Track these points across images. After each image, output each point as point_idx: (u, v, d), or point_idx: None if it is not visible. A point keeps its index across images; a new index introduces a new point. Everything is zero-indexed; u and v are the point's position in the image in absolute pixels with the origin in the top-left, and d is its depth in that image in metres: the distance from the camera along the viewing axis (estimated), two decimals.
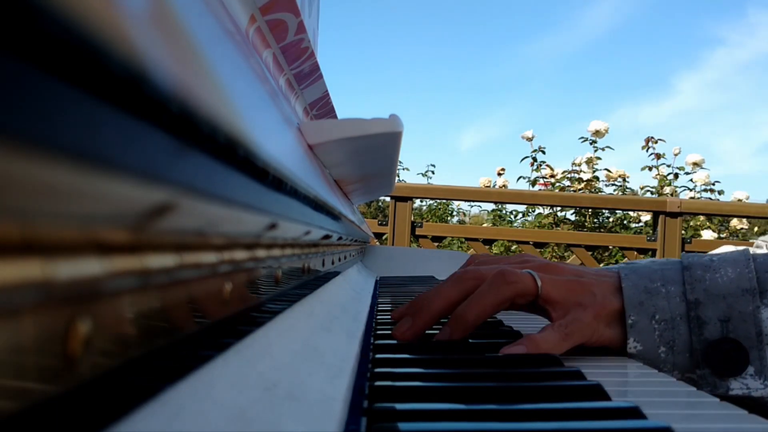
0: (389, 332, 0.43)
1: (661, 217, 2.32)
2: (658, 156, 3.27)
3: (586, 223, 3.16)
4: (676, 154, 3.28)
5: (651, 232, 2.55)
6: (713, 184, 3.24)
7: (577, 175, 3.22)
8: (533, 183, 3.26)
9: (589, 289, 0.43)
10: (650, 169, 3.30)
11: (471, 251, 2.17)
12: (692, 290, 0.41)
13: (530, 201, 2.60)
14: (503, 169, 3.62)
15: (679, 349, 0.41)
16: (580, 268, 0.47)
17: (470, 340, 0.42)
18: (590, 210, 3.07)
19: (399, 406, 0.24)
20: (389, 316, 0.55)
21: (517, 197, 2.50)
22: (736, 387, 0.39)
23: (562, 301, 0.42)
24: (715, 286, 0.41)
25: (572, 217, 3.18)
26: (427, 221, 2.73)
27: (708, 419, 0.26)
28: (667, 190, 3.23)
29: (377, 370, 0.31)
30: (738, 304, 0.40)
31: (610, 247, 2.67)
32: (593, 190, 3.20)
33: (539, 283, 0.42)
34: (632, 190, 3.39)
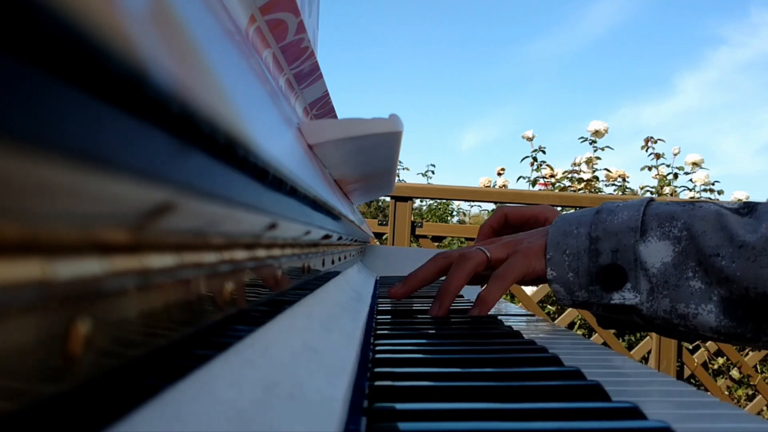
0: (389, 332, 0.43)
1: None
2: (658, 156, 3.26)
3: None
4: (675, 154, 3.28)
5: None
6: (713, 184, 3.24)
7: (577, 175, 3.21)
8: (533, 183, 3.26)
9: (521, 240, 0.60)
10: (650, 169, 3.30)
11: None
12: (595, 229, 0.56)
13: (530, 201, 2.59)
14: (503, 169, 3.62)
15: (581, 273, 0.56)
16: (523, 233, 0.63)
17: (472, 345, 0.42)
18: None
19: (399, 406, 0.24)
20: (389, 317, 0.55)
21: (517, 197, 2.50)
22: (616, 298, 0.54)
23: (505, 257, 0.59)
24: (612, 225, 0.55)
25: None
26: (427, 221, 2.73)
27: (708, 419, 0.26)
28: (667, 190, 3.23)
29: (377, 370, 0.31)
30: (625, 238, 0.54)
31: None
32: (593, 190, 3.20)
33: (488, 253, 0.60)
34: (632, 190, 3.39)
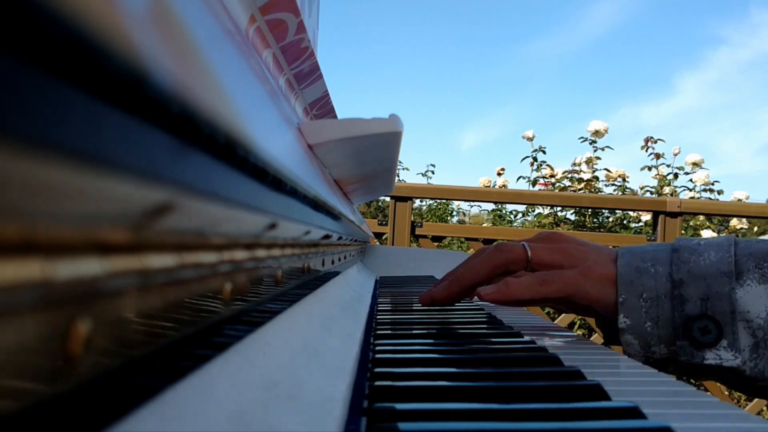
0: (389, 332, 0.43)
1: (660, 217, 2.32)
2: (658, 156, 3.27)
3: (586, 223, 3.16)
4: (675, 154, 3.28)
5: (651, 231, 2.55)
6: (713, 184, 3.24)
7: (577, 175, 3.21)
8: (533, 183, 3.26)
9: (583, 254, 0.49)
10: (650, 169, 3.30)
11: (471, 251, 2.17)
12: (678, 270, 0.45)
13: (530, 201, 2.60)
14: (503, 169, 3.62)
15: (663, 324, 0.45)
16: (584, 240, 0.52)
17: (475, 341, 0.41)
18: (590, 210, 3.07)
19: (399, 406, 0.24)
20: (389, 316, 0.55)
21: (517, 197, 2.50)
22: (711, 357, 0.44)
23: (551, 263, 0.49)
24: (698, 267, 0.45)
25: (572, 217, 3.18)
26: (427, 221, 2.73)
27: (708, 419, 0.26)
28: (667, 190, 3.23)
29: (377, 370, 0.31)
30: (716, 284, 0.44)
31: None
32: (593, 190, 3.20)
33: (529, 251, 0.50)
34: (632, 190, 3.39)
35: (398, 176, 3.44)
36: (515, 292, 0.46)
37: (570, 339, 0.52)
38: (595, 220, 3.22)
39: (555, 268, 0.48)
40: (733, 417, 0.27)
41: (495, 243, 0.50)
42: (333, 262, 0.60)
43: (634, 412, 0.25)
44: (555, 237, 0.52)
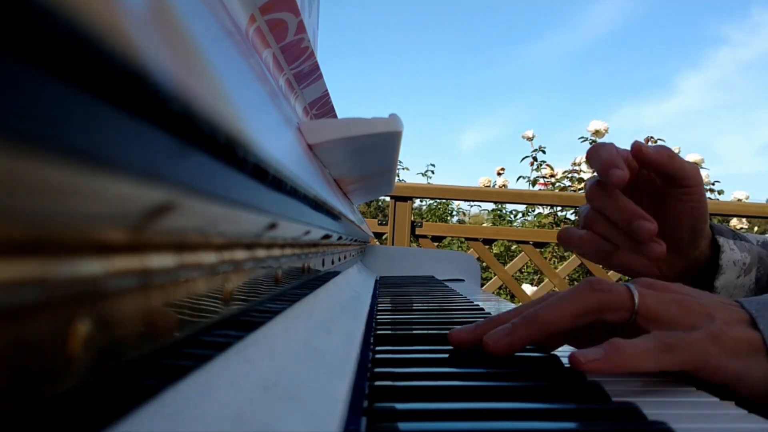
0: (389, 332, 0.43)
1: None
2: None
3: None
4: None
5: None
6: (713, 184, 3.25)
7: (577, 175, 3.22)
8: (533, 183, 3.27)
9: (705, 310, 0.33)
10: None
11: (471, 251, 2.17)
12: None
13: (530, 201, 2.60)
14: (503, 169, 3.63)
15: None
16: (692, 289, 0.37)
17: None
18: None
19: (399, 406, 0.24)
20: (389, 316, 0.55)
21: (517, 197, 2.50)
22: None
23: (669, 320, 0.33)
24: None
25: (572, 217, 3.18)
26: (427, 221, 2.73)
27: (708, 419, 0.26)
28: None
29: (377, 370, 0.31)
30: None
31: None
32: None
33: (636, 296, 0.34)
34: None
35: (398, 176, 3.44)
36: (630, 361, 0.30)
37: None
38: None
39: (668, 325, 0.33)
40: (733, 417, 0.27)
41: (587, 279, 0.35)
42: (333, 262, 0.60)
43: (633, 412, 0.25)
44: (657, 285, 0.36)
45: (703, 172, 3.21)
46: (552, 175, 3.29)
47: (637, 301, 0.33)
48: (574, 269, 2.36)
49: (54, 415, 0.11)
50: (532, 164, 3.28)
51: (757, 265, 0.55)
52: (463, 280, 1.17)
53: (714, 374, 0.31)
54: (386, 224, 2.22)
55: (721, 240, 0.54)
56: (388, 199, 2.40)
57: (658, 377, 0.31)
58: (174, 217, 0.15)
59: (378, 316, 0.53)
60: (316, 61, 0.59)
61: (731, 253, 0.54)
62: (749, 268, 0.54)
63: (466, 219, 4.44)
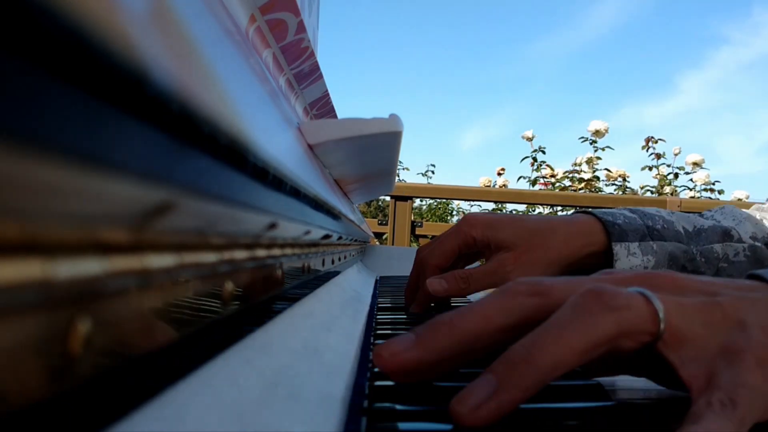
0: (389, 332, 0.43)
1: None
2: (658, 156, 3.27)
3: None
4: (676, 154, 3.28)
5: None
6: (713, 184, 3.25)
7: (577, 175, 3.22)
8: (533, 183, 3.27)
9: (733, 318, 0.25)
10: (650, 168, 3.31)
11: None
12: None
13: (530, 200, 2.60)
14: (503, 169, 3.63)
15: None
16: (702, 277, 0.28)
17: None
18: (590, 209, 3.08)
19: (399, 406, 0.24)
20: (389, 316, 0.55)
21: (517, 197, 2.51)
22: None
23: (694, 343, 0.24)
24: None
25: None
26: (427, 221, 2.73)
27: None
28: (667, 189, 3.24)
29: (377, 369, 0.31)
30: None
31: None
32: (593, 189, 3.20)
33: (661, 312, 0.24)
34: (632, 189, 3.40)
35: (398, 176, 3.44)
36: None
37: None
38: None
39: (693, 350, 0.24)
40: None
41: (592, 287, 0.24)
42: (333, 262, 0.60)
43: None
44: (659, 278, 0.27)
45: (703, 172, 3.22)
46: (552, 175, 3.29)
47: (662, 319, 0.24)
48: None
49: (54, 415, 0.11)
50: (532, 164, 3.29)
51: (666, 264, 0.55)
52: None
53: None
54: (386, 224, 2.22)
55: (617, 248, 0.54)
56: (388, 198, 2.40)
57: None
58: (174, 217, 0.15)
59: (378, 316, 0.53)
60: (316, 61, 0.59)
61: (628, 260, 0.54)
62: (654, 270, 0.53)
63: None
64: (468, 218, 0.55)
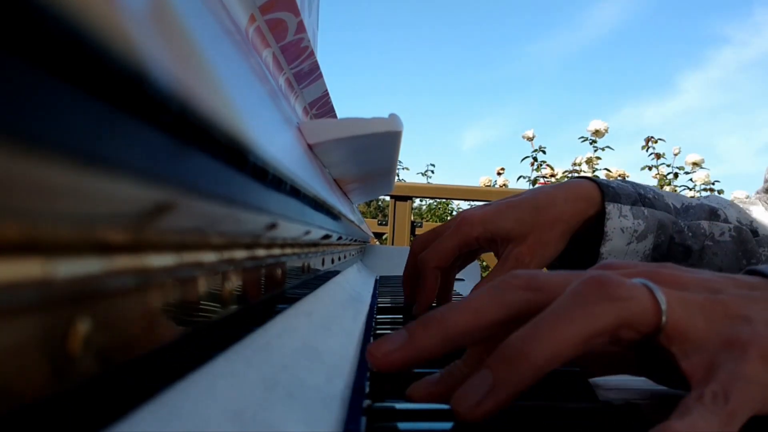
0: (389, 332, 0.43)
1: None
2: (658, 156, 3.27)
3: None
4: (675, 154, 3.28)
5: None
6: (713, 184, 3.25)
7: (577, 175, 3.22)
8: (533, 182, 3.27)
9: (736, 312, 0.24)
10: (650, 168, 3.31)
11: None
12: None
13: None
14: (503, 169, 3.63)
15: None
16: (705, 273, 0.27)
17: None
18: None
19: (399, 405, 0.24)
20: (389, 316, 0.55)
21: None
22: None
23: (696, 338, 0.24)
24: None
25: None
26: (427, 221, 2.73)
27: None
28: (667, 189, 3.24)
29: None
30: None
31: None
32: None
33: (664, 304, 0.24)
34: None
35: (398, 176, 3.44)
36: None
37: None
38: None
39: (694, 345, 0.24)
40: None
41: (595, 274, 0.24)
42: (333, 262, 0.60)
43: (636, 409, 0.25)
44: (660, 274, 0.26)
45: (703, 172, 3.22)
46: (552, 175, 3.29)
47: (664, 311, 0.23)
48: None
49: (54, 415, 0.11)
50: (532, 164, 3.29)
51: (655, 231, 0.55)
52: (463, 280, 1.17)
53: None
54: (386, 224, 2.22)
55: (610, 207, 0.53)
56: (388, 198, 2.40)
57: None
58: (173, 217, 0.15)
59: (378, 316, 0.53)
60: (316, 61, 0.59)
61: (619, 220, 0.54)
62: (643, 235, 0.54)
63: None
64: (466, 217, 0.54)
